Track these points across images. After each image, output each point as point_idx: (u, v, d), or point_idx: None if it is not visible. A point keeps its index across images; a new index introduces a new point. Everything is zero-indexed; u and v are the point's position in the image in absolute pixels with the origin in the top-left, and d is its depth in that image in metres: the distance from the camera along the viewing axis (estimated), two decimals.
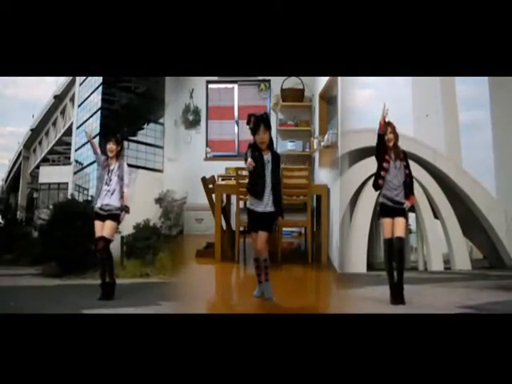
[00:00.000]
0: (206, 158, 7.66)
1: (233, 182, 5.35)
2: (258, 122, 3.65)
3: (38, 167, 11.36)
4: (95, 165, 9.35)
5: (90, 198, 7.76)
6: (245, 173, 4.00)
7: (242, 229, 5.15)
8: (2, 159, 12.28)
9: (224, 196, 5.62)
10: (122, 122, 10.01)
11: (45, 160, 11.51)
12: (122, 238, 7.02)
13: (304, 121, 7.43)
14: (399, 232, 3.94)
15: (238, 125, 7.85)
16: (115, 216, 4.41)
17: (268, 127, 3.68)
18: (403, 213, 4.03)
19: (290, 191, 5.16)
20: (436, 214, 6.07)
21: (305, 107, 7.40)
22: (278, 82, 7.44)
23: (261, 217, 3.71)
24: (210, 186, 5.45)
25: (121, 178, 4.45)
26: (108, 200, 4.40)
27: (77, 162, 10.34)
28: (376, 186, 4.06)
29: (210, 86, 7.85)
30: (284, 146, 7.23)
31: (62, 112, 11.34)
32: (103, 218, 4.40)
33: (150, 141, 10.03)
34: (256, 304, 3.79)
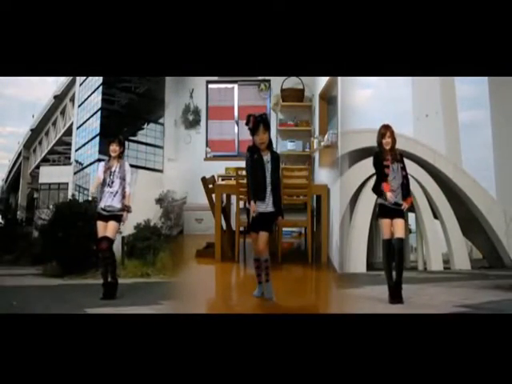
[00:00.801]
0: (206, 158, 7.66)
1: (233, 181, 5.35)
2: (258, 122, 3.65)
3: (38, 167, 11.39)
4: (95, 165, 9.38)
5: (90, 199, 7.76)
6: (245, 173, 3.99)
7: (242, 229, 5.15)
8: (2, 159, 12.30)
9: (224, 196, 5.62)
10: (122, 122, 10.03)
11: (45, 160, 11.53)
12: (123, 238, 7.03)
13: (304, 121, 7.43)
14: (399, 233, 3.94)
15: (238, 125, 7.85)
16: (117, 217, 4.47)
17: (267, 127, 3.68)
18: (402, 214, 4.04)
19: (290, 191, 5.17)
20: (436, 214, 6.08)
21: (305, 107, 7.41)
22: (278, 82, 7.44)
23: (261, 217, 3.72)
24: (210, 186, 5.45)
25: (123, 179, 4.48)
26: (111, 201, 4.44)
27: (77, 162, 10.36)
28: (377, 191, 4.06)
29: (210, 85, 7.85)
30: (284, 146, 7.23)
31: (62, 112, 11.35)
32: (106, 219, 4.44)
33: (150, 141, 10.05)
34: (256, 304, 3.79)
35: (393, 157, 4.01)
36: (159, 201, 8.48)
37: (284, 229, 5.73)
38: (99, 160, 8.69)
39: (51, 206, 8.20)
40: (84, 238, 6.44)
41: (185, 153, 7.79)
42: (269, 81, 7.68)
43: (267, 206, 3.72)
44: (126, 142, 7.12)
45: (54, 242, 6.85)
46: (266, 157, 3.73)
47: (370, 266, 5.58)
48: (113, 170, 4.50)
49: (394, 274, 3.94)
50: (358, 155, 5.49)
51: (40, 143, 11.92)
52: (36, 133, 11.90)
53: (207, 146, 7.76)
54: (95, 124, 10.04)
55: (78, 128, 10.54)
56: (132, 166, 4.78)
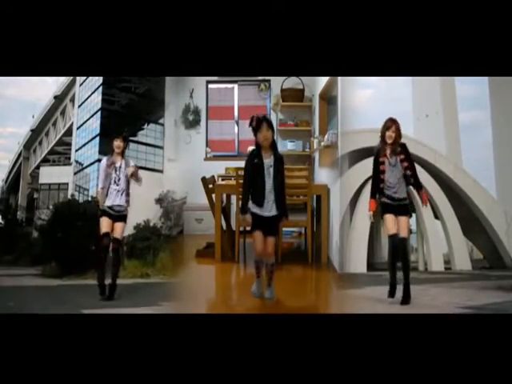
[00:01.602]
0: (206, 158, 7.66)
1: (233, 181, 5.34)
2: (261, 120, 3.63)
3: (38, 167, 11.37)
4: (95, 165, 9.38)
5: (90, 199, 7.76)
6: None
7: (241, 229, 5.15)
8: (2, 160, 12.28)
9: (224, 196, 5.62)
10: (122, 122, 10.02)
11: (45, 160, 11.51)
12: (123, 238, 7.02)
13: (304, 121, 7.43)
14: (403, 233, 3.86)
15: (238, 125, 7.85)
16: (125, 217, 4.47)
17: (270, 125, 3.65)
18: (406, 211, 3.94)
19: (290, 191, 5.14)
20: (436, 215, 6.07)
21: (305, 107, 7.40)
22: (278, 82, 7.44)
23: (266, 221, 3.67)
24: (210, 186, 5.45)
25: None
26: (119, 200, 4.42)
27: (77, 162, 10.35)
28: (371, 191, 4.01)
29: (210, 85, 7.85)
30: (284, 146, 7.22)
31: (62, 112, 11.34)
32: (113, 218, 4.40)
33: (150, 141, 10.04)
34: (256, 304, 3.78)
35: (391, 150, 3.90)
36: (159, 201, 8.47)
37: (284, 229, 5.72)
38: (99, 160, 8.68)
39: (51, 207, 8.20)
40: (83, 239, 6.45)
41: (185, 153, 7.78)
42: (269, 81, 7.68)
43: (271, 210, 3.69)
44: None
45: (54, 242, 6.85)
46: (268, 160, 3.70)
47: (371, 266, 5.57)
48: (117, 165, 4.48)
49: (397, 273, 3.90)
50: (358, 155, 5.48)
51: (40, 143, 11.90)
52: (36, 133, 11.88)
53: (207, 146, 7.76)
54: (95, 124, 10.03)
55: (78, 128, 10.52)
56: None
